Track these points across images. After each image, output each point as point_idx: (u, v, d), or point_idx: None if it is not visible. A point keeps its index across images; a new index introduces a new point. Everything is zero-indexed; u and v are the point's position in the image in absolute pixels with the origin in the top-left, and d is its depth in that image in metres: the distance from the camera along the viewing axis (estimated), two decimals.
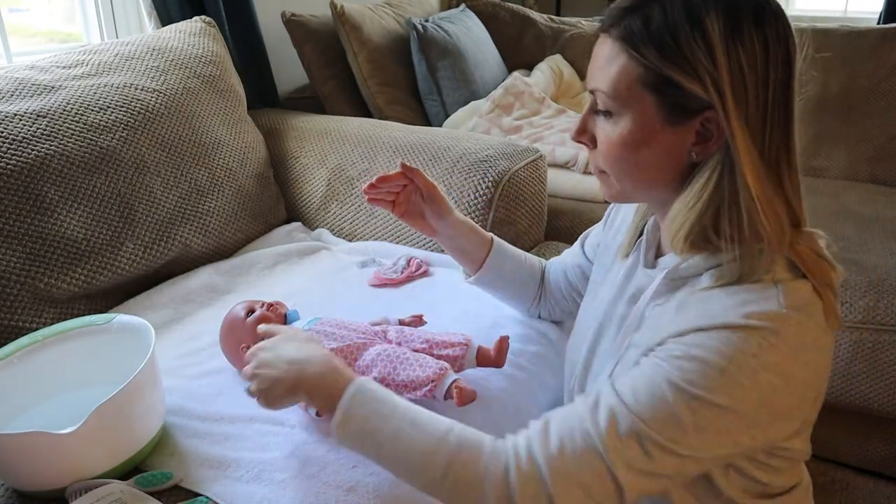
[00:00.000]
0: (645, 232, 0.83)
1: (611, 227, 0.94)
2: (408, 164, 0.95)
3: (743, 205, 0.66)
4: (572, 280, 1.05)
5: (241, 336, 0.96)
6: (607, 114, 0.71)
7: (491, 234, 1.06)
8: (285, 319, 0.96)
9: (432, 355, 0.89)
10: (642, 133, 0.69)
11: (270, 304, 0.99)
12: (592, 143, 0.75)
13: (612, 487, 0.64)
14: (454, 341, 0.92)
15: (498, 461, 0.67)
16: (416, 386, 0.83)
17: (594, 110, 0.73)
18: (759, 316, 0.64)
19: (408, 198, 0.98)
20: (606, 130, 0.72)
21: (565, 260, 1.07)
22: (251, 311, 0.98)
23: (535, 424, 0.70)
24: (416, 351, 0.90)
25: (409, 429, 0.70)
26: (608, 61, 0.69)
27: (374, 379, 0.83)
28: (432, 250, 1.39)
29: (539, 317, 1.13)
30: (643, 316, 0.75)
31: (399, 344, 0.92)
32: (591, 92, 0.73)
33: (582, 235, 1.05)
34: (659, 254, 0.80)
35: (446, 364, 0.86)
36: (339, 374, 0.75)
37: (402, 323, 0.99)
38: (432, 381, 0.83)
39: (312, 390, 0.75)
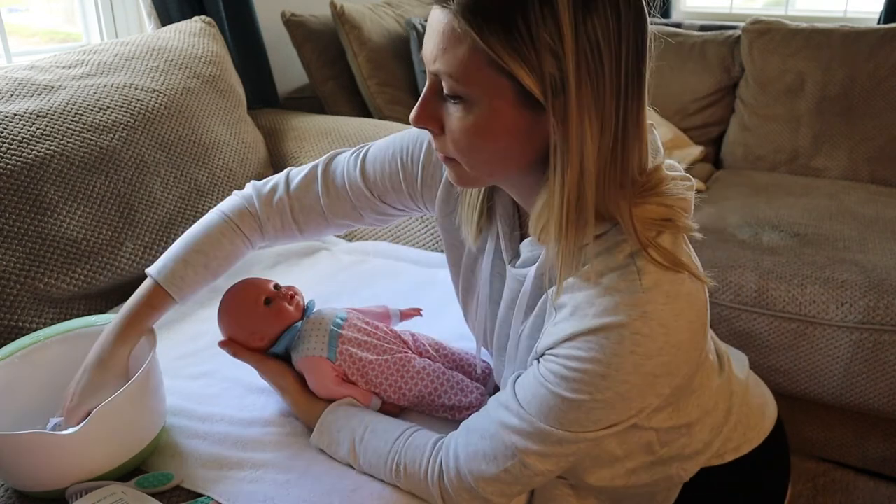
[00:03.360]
0: (498, 222, 0.76)
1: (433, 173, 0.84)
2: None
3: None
4: (345, 193, 0.90)
5: (255, 325, 0.87)
6: (456, 98, 0.61)
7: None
8: (304, 312, 0.90)
9: (464, 372, 0.92)
10: (500, 120, 0.60)
11: (291, 295, 0.90)
12: (439, 128, 0.65)
13: (529, 475, 0.69)
14: (483, 366, 0.95)
15: (436, 462, 0.74)
16: (459, 410, 0.87)
17: (438, 93, 0.63)
18: (624, 308, 0.61)
19: None
20: (457, 117, 0.62)
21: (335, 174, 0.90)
22: (267, 298, 0.88)
23: (461, 425, 0.75)
24: (449, 367, 0.92)
25: (370, 434, 0.78)
26: (452, 42, 0.59)
27: (419, 393, 0.86)
28: (433, 251, 1.39)
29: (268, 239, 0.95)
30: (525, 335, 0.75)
31: (432, 358, 0.92)
32: (434, 74, 0.62)
33: (358, 156, 0.89)
34: (523, 235, 0.75)
35: (484, 390, 0.90)
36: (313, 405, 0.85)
37: (402, 314, 1.01)
38: (474, 406, 0.86)
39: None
